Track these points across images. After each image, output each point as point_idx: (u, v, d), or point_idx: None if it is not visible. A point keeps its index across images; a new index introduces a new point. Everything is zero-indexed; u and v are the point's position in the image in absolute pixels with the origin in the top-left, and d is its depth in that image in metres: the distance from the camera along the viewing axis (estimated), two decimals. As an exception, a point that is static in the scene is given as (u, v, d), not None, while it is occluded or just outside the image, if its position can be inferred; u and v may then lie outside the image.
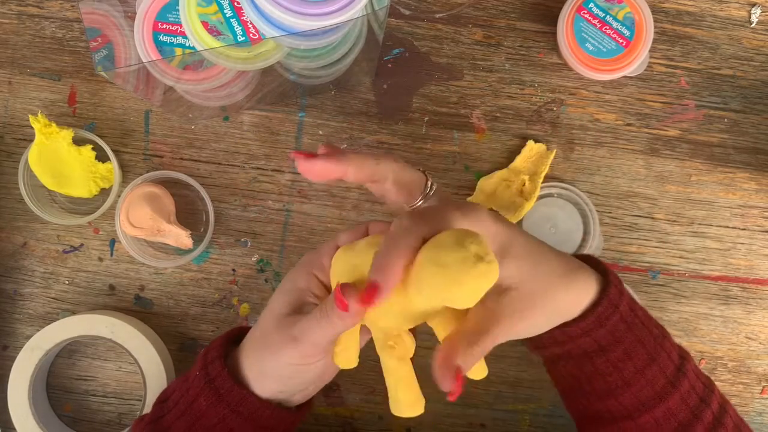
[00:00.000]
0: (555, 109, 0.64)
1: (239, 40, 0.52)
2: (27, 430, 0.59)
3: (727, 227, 0.64)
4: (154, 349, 0.60)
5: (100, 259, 0.63)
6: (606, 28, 0.61)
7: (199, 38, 0.51)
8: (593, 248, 0.63)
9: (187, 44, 0.53)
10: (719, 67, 0.64)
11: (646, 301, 0.64)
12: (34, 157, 0.60)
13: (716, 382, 0.63)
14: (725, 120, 0.65)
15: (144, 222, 0.61)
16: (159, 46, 0.53)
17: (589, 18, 0.61)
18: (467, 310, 0.41)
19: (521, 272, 0.41)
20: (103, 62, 0.52)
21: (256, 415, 0.45)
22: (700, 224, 0.64)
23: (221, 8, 0.52)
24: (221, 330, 0.63)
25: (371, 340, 0.45)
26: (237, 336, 0.49)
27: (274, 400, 0.46)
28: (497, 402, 0.64)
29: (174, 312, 0.63)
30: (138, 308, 0.63)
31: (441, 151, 0.64)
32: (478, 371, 0.42)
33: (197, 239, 0.62)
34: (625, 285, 0.46)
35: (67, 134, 0.60)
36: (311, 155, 0.42)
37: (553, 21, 0.62)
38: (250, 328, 0.49)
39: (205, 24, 0.51)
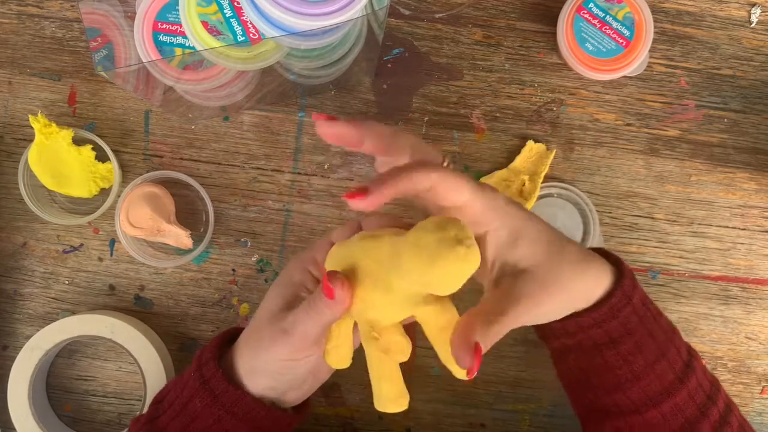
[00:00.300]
0: (555, 109, 0.64)
1: (239, 40, 0.52)
2: (27, 430, 0.59)
3: (727, 227, 0.64)
4: (154, 349, 0.60)
5: (100, 259, 0.63)
6: (606, 28, 0.61)
7: (199, 38, 0.51)
8: (593, 248, 0.63)
9: (187, 44, 0.53)
10: (719, 67, 0.64)
11: (646, 301, 0.64)
12: (34, 157, 0.60)
13: (716, 382, 0.64)
14: (725, 120, 0.65)
15: (144, 222, 0.61)
16: (159, 46, 0.53)
17: (589, 18, 0.61)
18: (451, 305, 0.41)
19: (535, 255, 0.41)
20: (103, 62, 0.52)
21: (251, 416, 0.45)
22: (700, 224, 0.64)
23: (221, 8, 0.52)
24: (221, 330, 0.63)
25: None
26: (232, 336, 0.50)
27: (266, 398, 0.46)
28: (497, 402, 0.64)
29: (174, 312, 0.63)
30: (138, 308, 0.63)
31: (441, 151, 0.64)
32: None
33: (197, 239, 0.62)
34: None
35: (67, 134, 0.60)
36: (332, 117, 0.41)
37: (553, 21, 0.62)
38: (244, 328, 0.49)
39: (205, 24, 0.51)
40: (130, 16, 0.53)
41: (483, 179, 0.63)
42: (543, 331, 0.47)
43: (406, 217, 0.49)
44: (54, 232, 0.63)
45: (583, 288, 0.43)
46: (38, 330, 0.60)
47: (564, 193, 0.63)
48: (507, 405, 0.64)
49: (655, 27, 0.61)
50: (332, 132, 0.41)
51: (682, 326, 0.64)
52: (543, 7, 0.64)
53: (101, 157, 0.62)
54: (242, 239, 0.63)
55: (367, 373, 0.41)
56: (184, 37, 0.53)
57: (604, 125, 0.64)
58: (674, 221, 0.64)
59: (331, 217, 0.64)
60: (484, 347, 0.38)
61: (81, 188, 0.61)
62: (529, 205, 0.62)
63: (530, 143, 0.63)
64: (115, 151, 0.61)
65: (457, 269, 0.35)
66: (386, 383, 0.41)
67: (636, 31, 0.61)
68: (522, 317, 0.41)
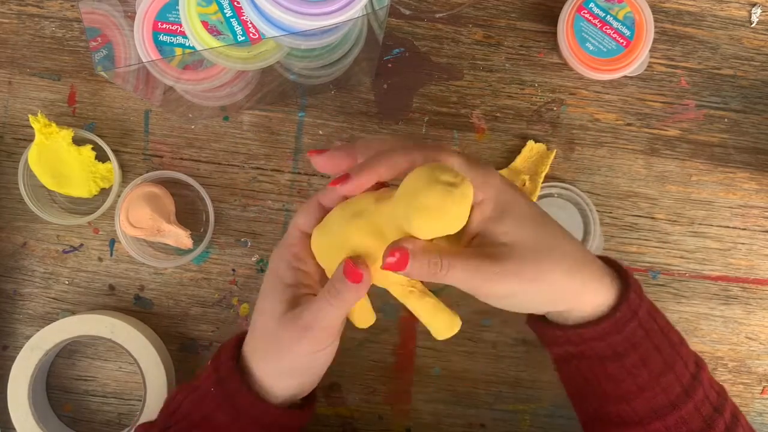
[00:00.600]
0: (555, 108, 0.64)
1: (239, 39, 0.52)
2: (27, 430, 0.59)
3: (728, 227, 0.64)
4: (154, 349, 0.60)
5: (100, 259, 0.63)
6: (606, 28, 0.61)
7: (199, 38, 0.51)
8: (594, 248, 0.62)
9: (187, 44, 0.53)
10: (720, 67, 0.64)
11: (646, 301, 0.64)
12: (33, 157, 0.60)
13: (716, 383, 0.63)
14: (725, 120, 0.65)
15: (144, 222, 0.61)
16: (159, 45, 0.53)
17: (590, 18, 0.61)
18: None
19: (520, 233, 0.41)
20: (103, 62, 0.52)
21: (277, 423, 0.46)
22: (700, 224, 0.64)
23: (221, 8, 0.52)
24: (221, 330, 0.63)
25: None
26: (238, 342, 0.49)
27: (288, 399, 0.47)
28: (497, 402, 0.64)
29: (174, 312, 0.63)
30: (138, 308, 0.63)
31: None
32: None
33: (197, 239, 0.62)
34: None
35: (67, 134, 0.60)
36: (321, 151, 0.44)
37: (553, 21, 0.62)
38: (245, 333, 0.49)
39: (205, 24, 0.51)
40: (130, 16, 0.53)
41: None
42: (545, 337, 0.47)
43: None
44: (54, 232, 0.63)
45: (568, 289, 0.42)
46: (38, 330, 0.60)
47: (564, 193, 0.63)
48: (507, 405, 0.64)
49: (655, 27, 0.61)
50: (325, 162, 0.43)
51: (683, 326, 0.64)
52: (543, 6, 0.64)
53: (101, 157, 0.61)
54: (242, 239, 0.63)
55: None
56: (184, 36, 0.53)
57: (604, 125, 0.64)
58: (675, 221, 0.64)
59: (331, 217, 0.64)
60: (413, 258, 0.38)
61: (81, 188, 0.61)
62: (530, 205, 0.62)
63: (530, 143, 0.63)
64: (115, 151, 0.61)
65: (449, 205, 0.37)
66: (438, 316, 0.43)
67: (636, 30, 0.61)
68: (476, 277, 0.39)
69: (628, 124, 0.64)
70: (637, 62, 0.61)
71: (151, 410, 0.60)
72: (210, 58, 0.52)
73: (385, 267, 0.38)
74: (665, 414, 0.43)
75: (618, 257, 0.64)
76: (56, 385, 0.63)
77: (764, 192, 0.64)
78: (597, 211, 0.63)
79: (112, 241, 0.63)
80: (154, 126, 0.63)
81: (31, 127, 0.59)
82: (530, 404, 0.64)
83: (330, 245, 0.43)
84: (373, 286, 0.43)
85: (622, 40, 0.61)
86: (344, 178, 0.41)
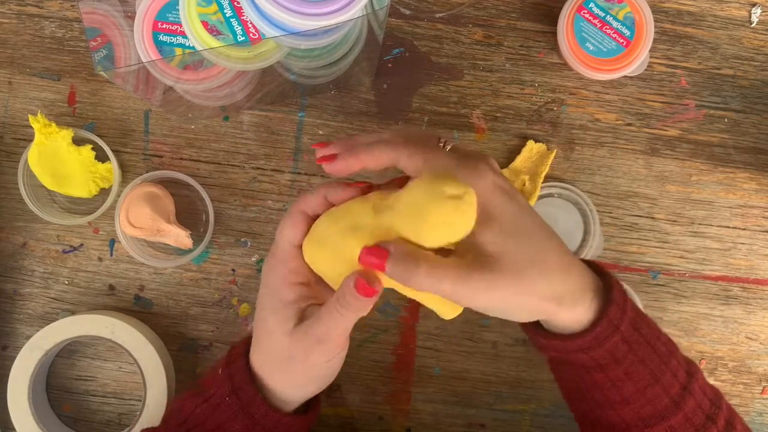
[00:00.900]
0: (555, 108, 0.64)
1: (239, 40, 0.52)
2: (27, 430, 0.59)
3: (728, 227, 0.64)
4: (154, 349, 0.60)
5: (100, 259, 0.63)
6: (606, 28, 0.61)
7: (199, 38, 0.51)
8: (593, 248, 0.62)
9: (187, 44, 0.53)
10: (720, 67, 0.64)
11: (646, 301, 0.64)
12: (33, 157, 0.60)
13: (716, 383, 0.63)
14: (725, 120, 0.65)
15: (144, 222, 0.61)
16: (159, 45, 0.53)
17: (590, 18, 0.61)
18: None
19: (500, 244, 0.40)
20: (103, 62, 0.52)
21: (290, 431, 0.48)
22: (700, 224, 0.64)
23: (221, 8, 0.52)
24: (221, 330, 0.63)
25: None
26: (245, 349, 0.49)
27: (297, 404, 0.48)
28: (497, 402, 0.64)
29: (174, 312, 0.63)
30: (138, 308, 0.63)
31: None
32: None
33: (197, 239, 0.62)
34: (627, 292, 0.45)
35: (67, 134, 0.59)
36: (324, 144, 0.45)
37: (553, 21, 0.62)
38: (249, 338, 0.49)
39: (205, 24, 0.51)
40: (130, 16, 0.53)
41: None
42: (534, 342, 0.46)
43: None
44: (54, 232, 0.63)
45: (547, 306, 0.41)
46: (38, 330, 0.60)
47: (564, 193, 0.63)
48: (507, 405, 0.64)
49: (655, 27, 0.61)
50: (330, 158, 0.44)
51: (683, 326, 0.64)
52: (543, 6, 0.64)
53: (101, 157, 0.61)
54: (242, 239, 0.63)
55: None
56: (184, 37, 0.53)
57: (604, 125, 0.64)
58: (675, 221, 0.64)
59: (331, 217, 0.64)
60: (391, 257, 0.38)
61: (81, 188, 0.61)
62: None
63: (530, 143, 0.63)
64: (114, 151, 0.61)
65: (457, 218, 0.37)
66: (440, 300, 0.43)
67: (636, 30, 0.61)
68: (464, 288, 0.39)
69: (628, 124, 0.64)
70: (637, 62, 0.61)
71: (151, 410, 0.60)
72: (210, 58, 0.52)
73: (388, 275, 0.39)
74: (653, 424, 0.43)
75: (618, 257, 0.64)
76: (56, 385, 0.63)
77: (764, 192, 0.64)
78: (597, 211, 0.63)
79: (112, 241, 0.63)
80: (154, 126, 0.63)
81: (31, 127, 0.59)
82: (530, 404, 0.64)
83: (332, 258, 0.43)
84: None
85: (622, 40, 0.61)
86: (332, 157, 0.43)
